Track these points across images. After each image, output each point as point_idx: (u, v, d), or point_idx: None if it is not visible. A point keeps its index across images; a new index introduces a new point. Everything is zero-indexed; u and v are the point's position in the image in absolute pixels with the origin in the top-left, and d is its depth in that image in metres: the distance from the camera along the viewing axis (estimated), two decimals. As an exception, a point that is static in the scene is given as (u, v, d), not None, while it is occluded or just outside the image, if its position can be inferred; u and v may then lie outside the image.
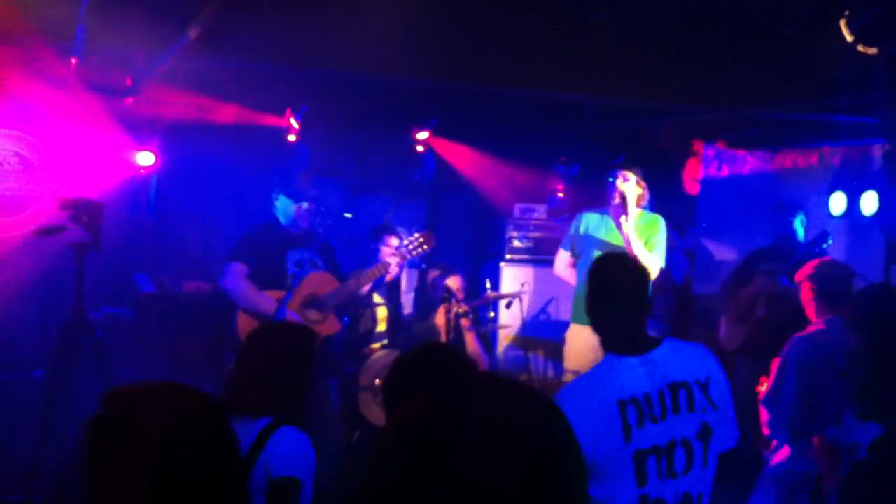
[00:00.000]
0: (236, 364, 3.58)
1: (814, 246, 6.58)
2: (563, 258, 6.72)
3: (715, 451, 3.19)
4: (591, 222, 6.52)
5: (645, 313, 3.27)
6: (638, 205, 6.40)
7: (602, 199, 6.61)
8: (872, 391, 3.28)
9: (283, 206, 6.00)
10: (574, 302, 6.59)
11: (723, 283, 7.24)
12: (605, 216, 6.49)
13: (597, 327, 3.30)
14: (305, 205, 5.98)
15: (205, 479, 1.95)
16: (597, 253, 6.38)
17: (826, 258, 5.76)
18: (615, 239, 6.31)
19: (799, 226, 7.07)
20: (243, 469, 3.20)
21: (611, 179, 6.38)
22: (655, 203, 7.86)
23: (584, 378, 3.25)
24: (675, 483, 3.11)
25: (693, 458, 3.13)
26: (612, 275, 3.32)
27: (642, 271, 3.36)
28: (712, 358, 3.29)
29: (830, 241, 6.62)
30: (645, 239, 6.30)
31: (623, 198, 6.27)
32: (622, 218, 6.22)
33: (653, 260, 6.23)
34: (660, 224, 6.46)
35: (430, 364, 2.82)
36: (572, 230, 6.64)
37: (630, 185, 6.33)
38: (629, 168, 6.37)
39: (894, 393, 3.22)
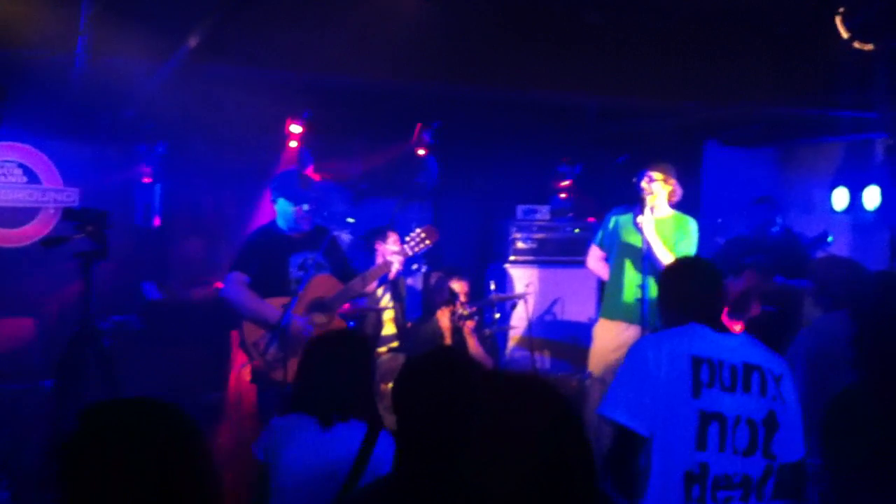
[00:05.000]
0: (304, 374, 3.76)
1: (815, 246, 6.60)
2: (594, 253, 6.80)
3: (779, 448, 3.20)
4: (620, 221, 6.50)
5: (721, 304, 3.43)
6: (669, 202, 6.34)
7: (620, 199, 6.62)
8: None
9: (283, 210, 5.95)
10: (605, 297, 6.63)
11: None
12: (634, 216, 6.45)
13: (678, 299, 3.40)
14: (306, 206, 5.94)
15: (186, 492, 1.96)
16: (618, 254, 6.40)
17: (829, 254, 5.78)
18: (636, 241, 6.24)
19: (779, 220, 7.14)
20: (356, 470, 3.36)
21: (636, 180, 6.32)
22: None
23: (664, 332, 3.37)
24: (736, 460, 3.13)
25: (756, 441, 3.16)
26: (688, 274, 3.52)
27: (715, 272, 3.52)
28: (786, 363, 3.36)
29: (831, 239, 6.64)
30: (671, 240, 6.17)
31: (643, 198, 6.23)
32: (639, 218, 6.17)
33: None
34: (690, 226, 6.34)
35: (438, 369, 2.84)
36: (603, 227, 6.68)
37: (657, 185, 6.27)
38: (656, 167, 6.29)
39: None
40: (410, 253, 6.01)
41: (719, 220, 8.82)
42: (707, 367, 3.13)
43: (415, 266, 8.04)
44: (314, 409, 3.62)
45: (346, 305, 6.06)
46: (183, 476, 1.95)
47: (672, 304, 3.43)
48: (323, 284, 5.87)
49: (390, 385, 6.43)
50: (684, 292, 3.40)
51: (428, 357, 3.02)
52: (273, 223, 6.05)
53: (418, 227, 6.12)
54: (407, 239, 6.04)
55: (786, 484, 3.24)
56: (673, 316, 3.39)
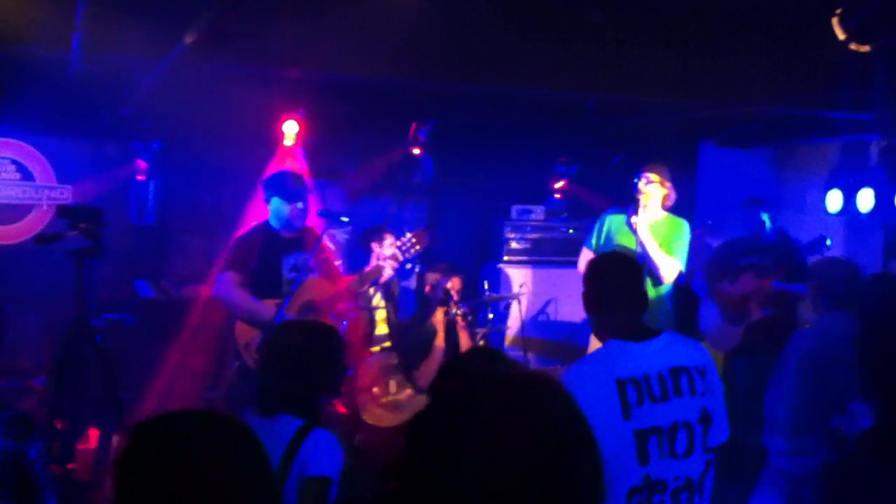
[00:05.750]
0: (261, 365, 3.65)
1: (813, 249, 6.61)
2: (585, 256, 6.67)
3: (713, 440, 3.26)
4: (613, 224, 6.47)
5: (642, 304, 3.39)
6: (663, 206, 6.34)
7: (615, 198, 6.59)
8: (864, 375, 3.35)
9: (277, 208, 5.92)
10: None
11: (704, 278, 7.25)
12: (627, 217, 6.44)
13: (597, 318, 3.44)
14: (300, 204, 5.91)
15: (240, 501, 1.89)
16: None
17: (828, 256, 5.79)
18: (630, 242, 6.24)
19: (767, 218, 7.14)
20: (282, 468, 3.25)
21: (635, 180, 6.31)
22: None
23: (584, 359, 3.42)
24: (676, 464, 3.17)
25: (694, 441, 3.20)
26: (606, 269, 3.53)
27: (634, 265, 3.54)
28: (707, 352, 3.40)
29: (830, 243, 6.65)
30: (666, 242, 6.20)
31: (637, 199, 6.22)
32: (632, 219, 6.18)
33: (671, 263, 6.17)
34: (683, 228, 6.36)
35: (439, 371, 2.83)
36: (596, 230, 6.62)
37: (653, 187, 6.27)
38: (653, 169, 6.30)
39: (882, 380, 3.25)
40: (401, 258, 6.03)
41: (709, 223, 8.84)
42: (633, 387, 3.14)
43: (409, 266, 8.03)
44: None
45: (340, 305, 6.05)
46: (243, 491, 1.88)
47: (596, 302, 3.42)
48: (315, 286, 5.85)
49: (392, 384, 6.46)
50: (607, 287, 3.41)
51: (468, 354, 2.99)
52: (266, 223, 6.02)
53: (409, 230, 6.13)
54: (398, 244, 6.05)
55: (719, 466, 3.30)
56: (599, 316, 3.42)
